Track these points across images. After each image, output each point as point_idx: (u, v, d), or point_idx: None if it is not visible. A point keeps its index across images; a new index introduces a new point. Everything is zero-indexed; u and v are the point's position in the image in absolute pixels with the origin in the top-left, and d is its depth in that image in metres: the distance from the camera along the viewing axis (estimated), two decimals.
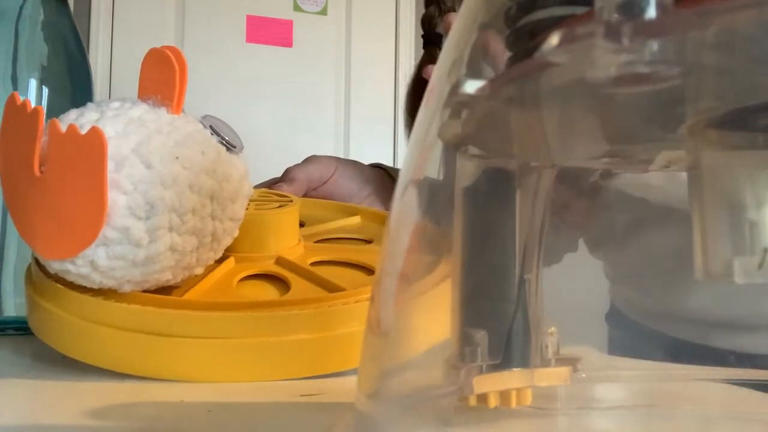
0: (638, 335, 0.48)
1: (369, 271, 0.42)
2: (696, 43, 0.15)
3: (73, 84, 0.54)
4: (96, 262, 0.32)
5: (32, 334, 0.37)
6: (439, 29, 0.72)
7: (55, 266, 0.34)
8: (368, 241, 0.48)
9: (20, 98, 0.34)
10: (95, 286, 0.34)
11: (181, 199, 0.33)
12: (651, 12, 0.14)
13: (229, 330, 0.33)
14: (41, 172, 0.32)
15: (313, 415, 0.28)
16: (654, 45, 0.15)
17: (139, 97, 0.36)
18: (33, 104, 0.32)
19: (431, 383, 0.23)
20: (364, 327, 0.24)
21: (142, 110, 0.34)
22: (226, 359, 0.33)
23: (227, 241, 0.38)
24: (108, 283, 0.34)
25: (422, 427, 0.22)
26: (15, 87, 0.50)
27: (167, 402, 0.30)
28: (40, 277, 0.37)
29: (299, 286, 0.39)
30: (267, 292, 0.39)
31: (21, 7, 0.52)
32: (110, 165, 0.31)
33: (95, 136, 0.31)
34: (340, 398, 0.30)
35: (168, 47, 0.35)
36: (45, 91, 0.52)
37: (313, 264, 0.42)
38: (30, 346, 0.43)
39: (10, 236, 0.50)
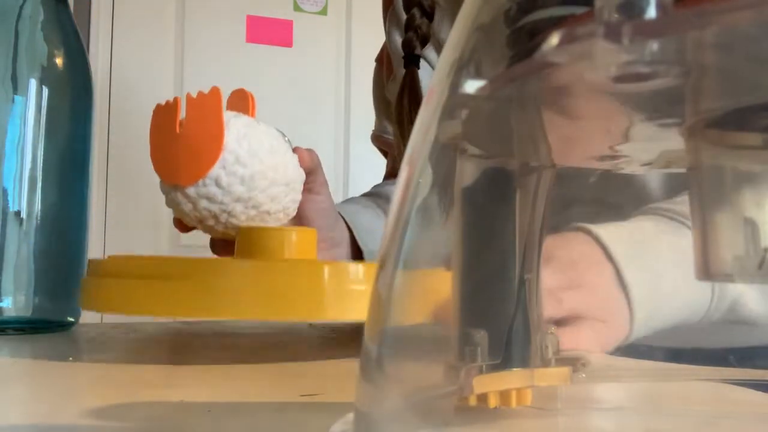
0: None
1: None
2: (696, 43, 0.15)
3: (73, 84, 0.54)
4: (219, 179, 0.47)
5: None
6: (418, 52, 0.79)
7: (191, 192, 0.47)
8: None
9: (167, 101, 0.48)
10: (218, 212, 0.48)
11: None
12: (651, 12, 0.14)
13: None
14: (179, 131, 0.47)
15: (313, 415, 0.28)
16: (654, 45, 0.15)
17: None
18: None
19: (431, 383, 0.23)
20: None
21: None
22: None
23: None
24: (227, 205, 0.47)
25: (422, 427, 0.22)
26: (15, 87, 0.50)
27: (167, 402, 0.30)
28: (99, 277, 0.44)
29: None
30: None
31: (21, 7, 0.52)
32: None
33: (214, 92, 0.47)
34: (340, 398, 0.30)
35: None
36: (45, 91, 0.52)
37: None
38: (30, 346, 0.43)
39: (10, 236, 0.50)
